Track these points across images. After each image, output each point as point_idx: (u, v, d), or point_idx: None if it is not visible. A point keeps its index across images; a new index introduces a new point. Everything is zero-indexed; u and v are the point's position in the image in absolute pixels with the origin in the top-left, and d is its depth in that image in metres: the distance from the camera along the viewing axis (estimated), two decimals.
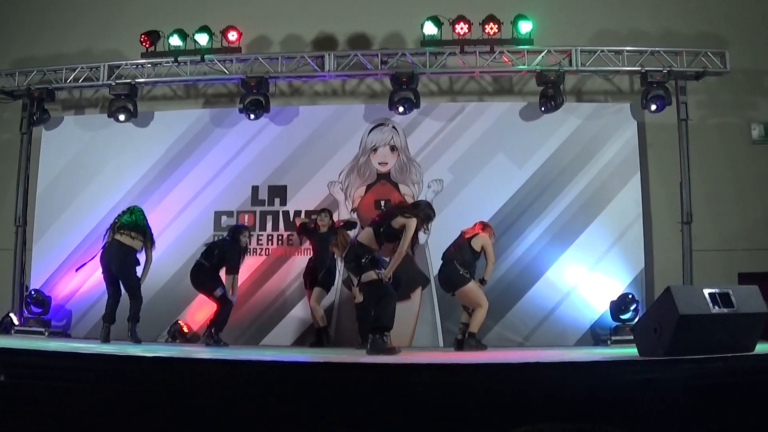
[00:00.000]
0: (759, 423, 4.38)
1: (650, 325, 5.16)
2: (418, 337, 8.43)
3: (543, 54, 8.55)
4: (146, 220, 7.81)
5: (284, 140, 9.08)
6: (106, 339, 7.42)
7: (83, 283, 8.95)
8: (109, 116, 8.94)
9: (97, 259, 7.65)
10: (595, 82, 9.14)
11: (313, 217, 8.47)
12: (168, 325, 8.61)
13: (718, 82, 8.82)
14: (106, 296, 7.67)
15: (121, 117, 8.91)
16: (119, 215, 7.79)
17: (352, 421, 4.28)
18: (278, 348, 8.09)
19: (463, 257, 7.20)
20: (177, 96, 9.70)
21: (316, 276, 8.08)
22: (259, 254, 8.86)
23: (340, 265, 8.37)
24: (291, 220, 8.85)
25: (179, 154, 9.16)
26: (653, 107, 8.43)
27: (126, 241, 7.58)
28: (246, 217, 8.95)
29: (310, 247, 8.43)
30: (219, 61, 8.92)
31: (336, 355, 6.52)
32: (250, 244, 8.49)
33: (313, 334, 8.24)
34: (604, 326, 8.29)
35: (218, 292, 7.47)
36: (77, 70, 9.12)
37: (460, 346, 7.24)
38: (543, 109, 8.51)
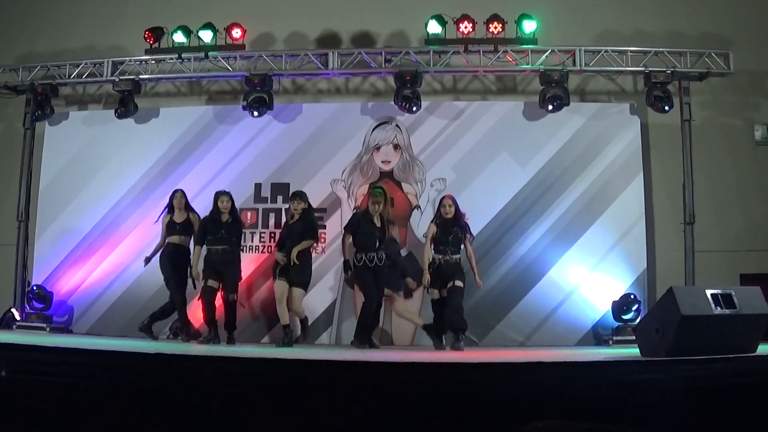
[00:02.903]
0: (761, 424, 4.38)
1: (652, 326, 5.17)
2: (419, 336, 8.41)
3: (547, 53, 8.54)
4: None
5: (287, 138, 9.05)
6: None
7: (85, 278, 8.98)
8: (115, 114, 8.91)
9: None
10: (599, 82, 9.11)
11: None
12: (170, 321, 8.60)
13: (721, 83, 8.79)
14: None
15: (125, 113, 8.90)
16: None
17: (354, 420, 4.29)
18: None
19: None
20: (180, 93, 9.70)
21: (284, 270, 7.55)
22: (261, 252, 8.84)
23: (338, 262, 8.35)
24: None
25: (182, 150, 9.13)
26: (657, 108, 8.40)
27: (174, 240, 7.83)
28: (248, 214, 8.94)
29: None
30: (223, 58, 8.91)
31: (338, 353, 6.52)
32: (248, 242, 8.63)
33: (316, 333, 8.25)
34: (605, 326, 8.27)
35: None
36: (81, 66, 9.12)
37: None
38: (551, 107, 8.42)
